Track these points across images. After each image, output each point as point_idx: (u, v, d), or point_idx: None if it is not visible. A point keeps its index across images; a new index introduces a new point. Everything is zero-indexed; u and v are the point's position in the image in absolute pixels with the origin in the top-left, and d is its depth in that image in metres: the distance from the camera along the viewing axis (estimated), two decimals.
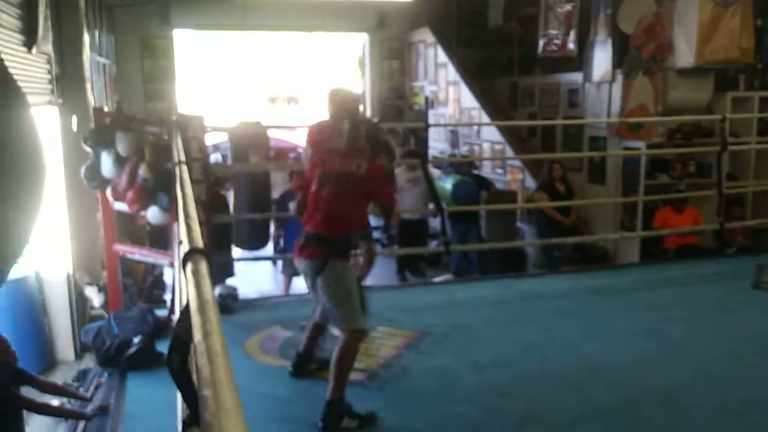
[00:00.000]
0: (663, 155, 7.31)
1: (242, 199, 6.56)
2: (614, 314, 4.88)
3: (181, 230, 2.19)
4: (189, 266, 1.60)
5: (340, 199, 3.31)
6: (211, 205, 5.14)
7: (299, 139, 18.28)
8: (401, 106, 11.69)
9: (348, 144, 3.34)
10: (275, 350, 4.26)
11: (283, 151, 12.31)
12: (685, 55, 6.99)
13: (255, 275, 7.72)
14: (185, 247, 1.76)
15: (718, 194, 6.39)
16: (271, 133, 7.63)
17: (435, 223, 8.33)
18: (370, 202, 3.47)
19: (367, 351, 4.18)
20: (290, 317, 4.81)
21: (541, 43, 8.47)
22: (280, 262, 7.38)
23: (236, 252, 6.52)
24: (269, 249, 6.93)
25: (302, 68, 21.61)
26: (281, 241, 7.02)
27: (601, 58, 7.57)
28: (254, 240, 6.56)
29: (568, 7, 8.06)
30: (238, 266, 6.55)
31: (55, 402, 3.99)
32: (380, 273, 8.57)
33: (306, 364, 3.86)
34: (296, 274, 6.87)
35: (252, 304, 5.38)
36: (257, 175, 6.37)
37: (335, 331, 3.69)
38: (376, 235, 10.60)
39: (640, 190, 7.11)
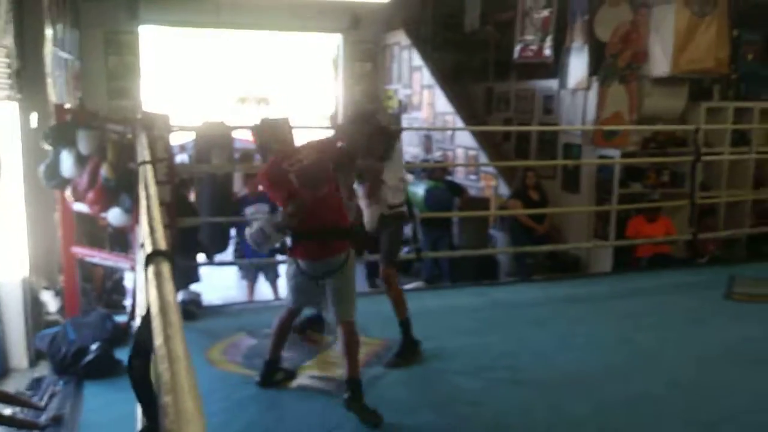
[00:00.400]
0: (637, 164, 7.44)
1: (203, 201, 6.51)
2: (587, 323, 4.94)
3: (143, 232, 2.17)
4: (151, 269, 1.58)
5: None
6: (176, 207, 5.10)
7: None
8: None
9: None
10: (240, 358, 4.23)
11: (250, 152, 12.27)
12: (660, 63, 7.14)
13: (220, 281, 7.65)
14: (147, 249, 1.75)
15: (691, 204, 6.52)
16: (237, 133, 7.59)
17: (406, 229, 8.34)
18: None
19: (327, 359, 4.18)
20: (255, 324, 4.79)
21: (517, 48, 8.58)
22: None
23: (201, 257, 6.46)
24: (229, 253, 6.87)
25: (273, 69, 21.52)
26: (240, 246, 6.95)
27: (577, 65, 7.68)
28: (214, 244, 6.51)
29: (545, 12, 8.17)
30: (202, 271, 6.49)
31: (6, 411, 3.90)
32: None
33: (273, 373, 3.85)
34: (257, 278, 6.87)
35: (216, 310, 5.33)
36: (218, 177, 6.33)
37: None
38: None
39: (613, 198, 7.23)
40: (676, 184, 7.56)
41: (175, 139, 9.49)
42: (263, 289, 7.04)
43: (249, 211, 6.54)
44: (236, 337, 4.58)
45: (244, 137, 15.38)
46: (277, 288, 6.90)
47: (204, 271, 6.62)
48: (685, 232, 6.77)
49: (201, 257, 6.46)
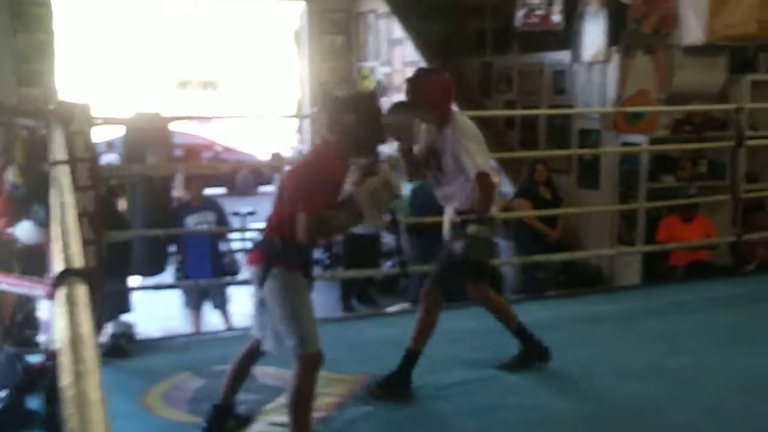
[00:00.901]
0: (668, 152, 7.50)
1: (135, 210, 6.46)
2: (612, 348, 4.95)
3: (56, 248, 2.15)
4: (62, 291, 1.57)
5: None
6: (102, 218, 5.06)
7: (218, 134, 18.22)
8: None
9: None
10: (183, 403, 4.19)
11: (195, 148, 12.19)
12: (693, 29, 7.22)
13: (158, 309, 7.61)
14: (58, 268, 1.73)
15: (734, 200, 6.58)
16: (177, 126, 7.57)
17: (390, 238, 8.37)
18: None
19: None
20: (203, 361, 4.75)
21: (519, 14, 8.63)
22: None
23: (135, 280, 6.42)
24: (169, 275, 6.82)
25: (222, 46, 21.48)
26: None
27: (593, 33, 7.76)
28: (150, 264, 6.47)
29: None
30: (136, 298, 6.45)
31: None
32: (320, 302, 8.57)
33: (224, 420, 3.82)
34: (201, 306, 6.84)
35: (154, 345, 5.29)
36: (154, 181, 6.29)
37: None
38: (316, 254, 10.61)
39: (640, 195, 7.28)
40: (715, 175, 7.64)
41: (100, 135, 9.44)
42: (214, 319, 7.02)
43: (191, 221, 6.51)
44: (179, 377, 4.55)
45: (185, 130, 15.41)
46: (229, 316, 6.86)
47: (139, 298, 6.58)
48: (727, 234, 6.82)
49: (135, 281, 6.41)
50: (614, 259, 7.48)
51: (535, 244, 7.31)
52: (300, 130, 13.15)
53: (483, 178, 4.07)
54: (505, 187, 8.48)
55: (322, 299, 8.58)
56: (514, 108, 9.13)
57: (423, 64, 9.85)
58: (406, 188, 7.71)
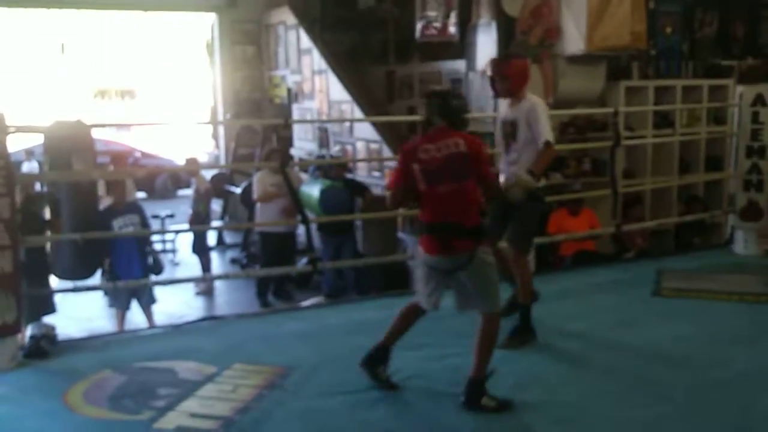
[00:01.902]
0: (556, 152, 7.68)
1: (63, 216, 6.23)
2: (508, 330, 5.05)
3: None
4: None
5: (455, 187, 3.78)
6: (22, 224, 4.87)
7: (137, 141, 17.76)
8: (259, 100, 11.60)
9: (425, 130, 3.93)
10: (104, 400, 4.07)
11: (121, 155, 11.91)
12: (574, 40, 7.42)
13: (81, 311, 7.37)
14: None
15: (613, 194, 6.80)
16: (98, 133, 7.33)
17: (304, 237, 8.31)
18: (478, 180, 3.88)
19: (211, 393, 4.11)
20: (124, 358, 4.63)
21: (419, 26, 8.70)
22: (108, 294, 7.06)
23: (58, 282, 6.18)
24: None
25: (139, 56, 20.96)
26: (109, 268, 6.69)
27: (486, 44, 7.88)
28: (82, 268, 6.25)
29: None
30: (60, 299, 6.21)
31: None
32: (237, 299, 8.48)
33: (381, 360, 4.11)
34: (129, 306, 6.66)
35: (75, 345, 5.12)
36: (83, 187, 6.08)
37: None
38: (233, 254, 10.46)
39: None
40: (598, 172, 7.88)
41: (17, 143, 9.07)
42: (136, 318, 6.84)
43: (117, 224, 6.36)
44: (100, 375, 4.42)
45: (107, 138, 14.94)
46: (151, 315, 6.70)
47: (62, 299, 6.35)
48: (609, 225, 7.05)
49: (58, 283, 6.17)
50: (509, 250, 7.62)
51: None
52: (215, 136, 12.95)
53: (548, 146, 4.59)
54: None
55: (240, 296, 8.50)
56: (416, 113, 9.16)
57: (331, 72, 9.85)
58: (316, 188, 7.70)
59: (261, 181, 7.97)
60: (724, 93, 8.47)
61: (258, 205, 8.18)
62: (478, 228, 3.84)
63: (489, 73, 4.88)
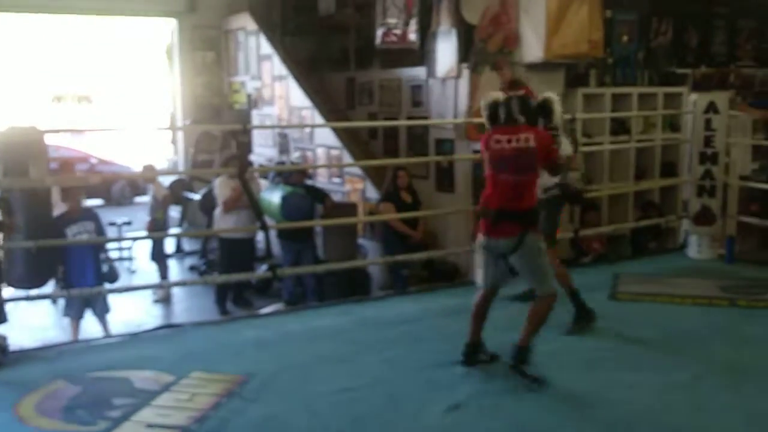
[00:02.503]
0: None
1: (16, 221, 6.10)
2: (464, 338, 5.06)
3: None
4: None
5: (520, 176, 4.21)
6: None
7: (93, 147, 17.48)
8: (219, 106, 11.51)
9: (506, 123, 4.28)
10: (57, 412, 3.98)
11: (70, 161, 11.71)
12: (533, 48, 7.50)
13: (35, 320, 7.22)
14: None
15: None
16: (53, 139, 7.20)
17: (263, 243, 8.26)
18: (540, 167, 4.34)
19: (166, 403, 4.06)
20: (78, 368, 4.55)
21: (379, 32, 8.72)
22: (61, 303, 6.90)
23: (7, 291, 6.04)
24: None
25: (97, 61, 20.65)
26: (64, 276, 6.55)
27: (446, 51, 7.92)
28: (35, 276, 6.12)
29: None
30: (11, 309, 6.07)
31: None
32: (195, 306, 8.39)
33: (476, 353, 4.46)
34: (82, 315, 6.53)
35: (27, 355, 5.01)
36: (39, 193, 5.96)
37: None
38: (192, 261, 10.34)
39: None
40: None
41: None
42: (91, 327, 6.70)
43: (71, 231, 6.25)
44: (53, 386, 4.32)
45: (61, 143, 14.69)
46: (107, 324, 6.58)
47: (13, 309, 6.21)
48: (567, 230, 7.11)
49: (9, 292, 6.03)
50: (470, 256, 7.65)
51: (400, 245, 7.39)
52: (174, 142, 12.80)
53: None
54: (370, 192, 8.55)
55: (199, 303, 8.41)
56: (376, 119, 9.20)
57: (291, 78, 9.81)
58: (276, 194, 7.66)
59: (223, 185, 7.88)
60: (678, 100, 8.65)
61: (217, 212, 8.09)
62: (530, 212, 4.24)
63: None
